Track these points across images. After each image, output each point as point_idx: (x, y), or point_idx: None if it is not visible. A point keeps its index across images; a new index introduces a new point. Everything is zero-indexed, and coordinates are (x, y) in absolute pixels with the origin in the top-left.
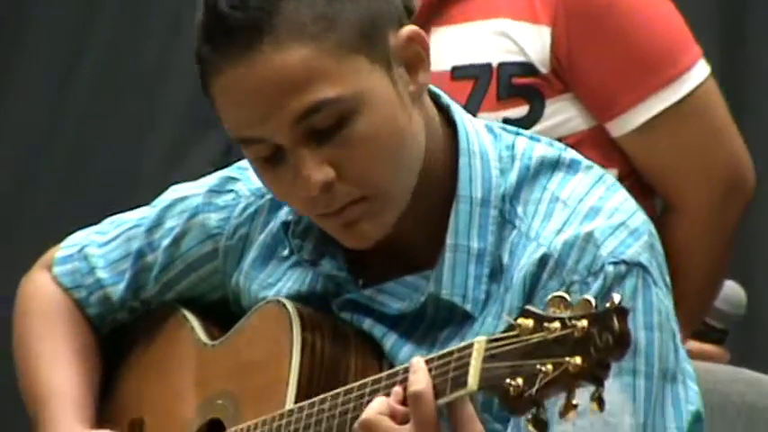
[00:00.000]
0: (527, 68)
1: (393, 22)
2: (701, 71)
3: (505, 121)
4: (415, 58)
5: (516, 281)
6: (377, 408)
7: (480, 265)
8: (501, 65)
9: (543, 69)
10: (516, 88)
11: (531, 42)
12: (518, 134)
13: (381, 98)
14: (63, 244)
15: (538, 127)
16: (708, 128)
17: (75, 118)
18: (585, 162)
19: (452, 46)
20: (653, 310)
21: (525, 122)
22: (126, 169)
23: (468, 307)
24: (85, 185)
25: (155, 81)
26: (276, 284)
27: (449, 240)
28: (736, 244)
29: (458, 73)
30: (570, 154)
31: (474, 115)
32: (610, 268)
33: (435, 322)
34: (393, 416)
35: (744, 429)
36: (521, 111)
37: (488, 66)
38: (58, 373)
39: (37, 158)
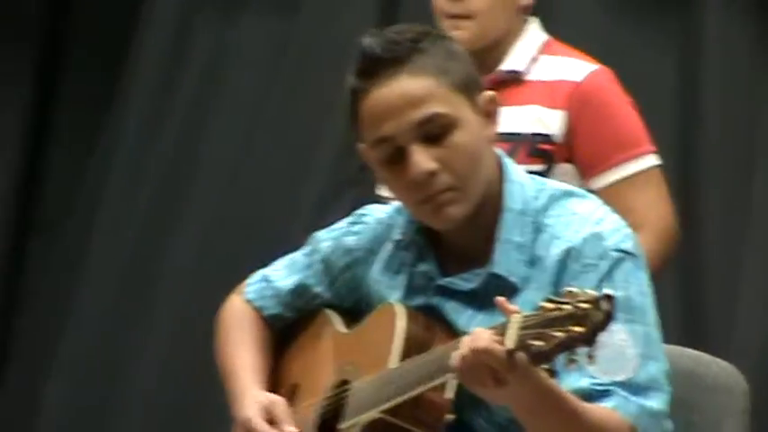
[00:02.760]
0: (547, 139)
1: (479, 86)
2: (654, 159)
3: (529, 173)
4: (491, 112)
5: (548, 265)
6: (485, 335)
7: (521, 253)
8: (532, 134)
9: (558, 140)
10: (539, 151)
11: (553, 121)
12: (543, 179)
13: (471, 125)
14: (248, 279)
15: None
16: (659, 193)
17: (253, 175)
18: (589, 194)
19: (503, 118)
20: (643, 282)
21: (541, 175)
22: (283, 220)
23: (514, 280)
24: (260, 236)
25: (305, 146)
26: (393, 286)
27: (500, 236)
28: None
29: (504, 136)
30: (580, 190)
31: None
32: (613, 254)
33: (493, 296)
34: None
35: (682, 393)
36: (540, 167)
37: (524, 134)
38: (242, 355)
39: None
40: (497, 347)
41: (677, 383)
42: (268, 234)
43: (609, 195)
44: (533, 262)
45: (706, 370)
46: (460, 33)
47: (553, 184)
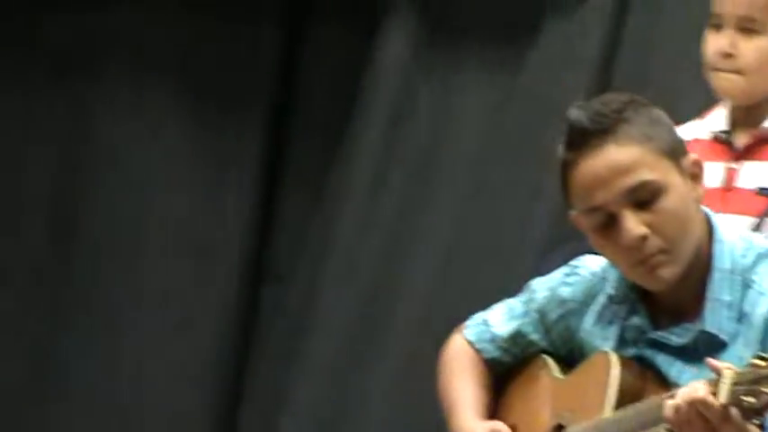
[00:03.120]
0: None
1: (684, 150)
2: None
3: None
4: (697, 175)
5: (756, 321)
6: (701, 389)
7: (730, 311)
8: None
9: None
10: None
11: None
12: (749, 237)
13: (679, 189)
14: (469, 321)
15: None
16: None
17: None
18: None
19: (760, 174)
20: None
21: None
22: (507, 268)
23: (723, 337)
24: (484, 284)
25: (529, 198)
26: (605, 336)
27: (710, 295)
28: None
29: (762, 191)
30: None
31: (766, 217)
32: None
33: (702, 351)
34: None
35: None
36: None
37: None
38: (464, 391)
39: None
40: (712, 399)
41: None
42: (491, 282)
43: None
44: (741, 318)
45: None
46: (725, 85)
47: (761, 242)
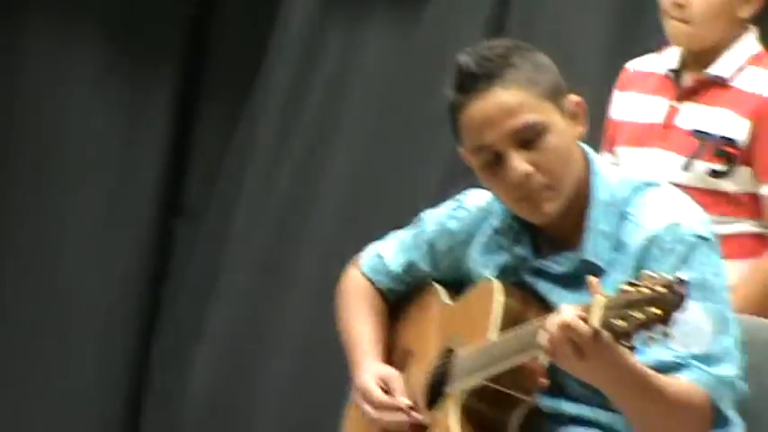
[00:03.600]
0: (732, 143)
1: (565, 91)
2: None
3: (712, 170)
4: (577, 114)
5: (632, 251)
6: (571, 313)
7: (607, 240)
8: (720, 137)
9: (741, 146)
10: (723, 152)
11: (740, 128)
12: (625, 172)
13: (561, 129)
14: (363, 253)
15: (730, 178)
16: None
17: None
18: (667, 184)
19: (697, 117)
20: (717, 264)
21: (723, 174)
22: (408, 202)
23: (601, 264)
24: (387, 215)
25: (428, 140)
26: (490, 265)
27: (588, 225)
28: None
29: (695, 133)
30: (658, 181)
31: (695, 159)
32: (690, 239)
33: (582, 278)
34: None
35: (759, 359)
36: (722, 167)
37: (713, 135)
38: (361, 327)
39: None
40: (582, 325)
41: (755, 351)
42: (394, 213)
43: None
44: (618, 248)
45: None
46: (674, 32)
47: (634, 176)
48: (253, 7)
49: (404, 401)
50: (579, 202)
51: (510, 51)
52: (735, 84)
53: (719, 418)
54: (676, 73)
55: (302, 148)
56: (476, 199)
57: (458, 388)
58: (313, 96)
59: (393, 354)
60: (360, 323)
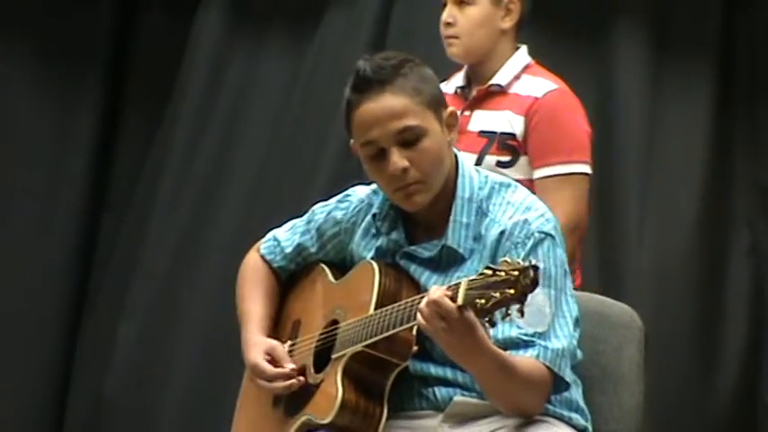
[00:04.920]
0: (513, 137)
1: (444, 103)
2: (584, 167)
3: (499, 161)
4: (451, 124)
5: (488, 242)
6: (439, 292)
7: (468, 231)
8: (502, 132)
9: (519, 138)
10: (507, 145)
11: (517, 124)
12: (487, 174)
13: (436, 135)
14: (264, 238)
15: (515, 167)
16: (564, 198)
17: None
18: (520, 185)
19: (483, 120)
20: (558, 257)
21: (508, 164)
22: (303, 199)
23: (463, 252)
24: (284, 210)
25: (318, 148)
26: (369, 248)
27: (452, 218)
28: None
29: (482, 133)
30: (513, 181)
31: (485, 154)
32: (537, 235)
33: (445, 262)
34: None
35: (592, 329)
36: (508, 158)
37: (497, 132)
38: (252, 307)
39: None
40: (448, 302)
41: (589, 322)
42: (292, 206)
43: (540, 186)
44: (477, 238)
45: (610, 311)
46: (451, 50)
47: (495, 177)
48: (169, 24)
49: (289, 366)
50: (447, 197)
51: (402, 63)
52: (512, 90)
53: (560, 383)
54: (463, 89)
55: (212, 150)
56: (359, 192)
57: (342, 354)
58: (221, 104)
59: (284, 324)
60: (252, 303)
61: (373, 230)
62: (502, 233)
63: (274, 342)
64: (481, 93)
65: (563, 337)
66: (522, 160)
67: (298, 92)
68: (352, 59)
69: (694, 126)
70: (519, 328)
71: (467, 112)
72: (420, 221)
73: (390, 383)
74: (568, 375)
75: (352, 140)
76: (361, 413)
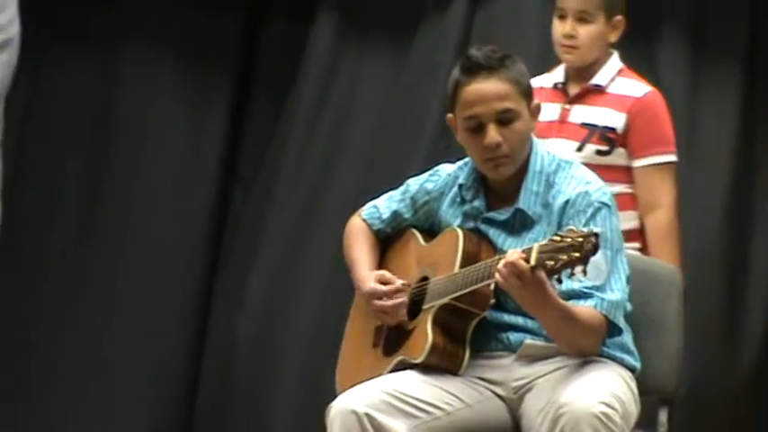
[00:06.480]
0: (613, 130)
1: (533, 95)
2: (675, 157)
3: (598, 150)
4: (536, 114)
5: (554, 209)
6: (516, 255)
7: (537, 198)
8: (603, 126)
9: (619, 132)
10: (607, 137)
11: (618, 120)
12: (554, 154)
13: (525, 120)
14: (365, 206)
15: (611, 156)
16: (666, 184)
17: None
18: (581, 164)
19: (584, 114)
20: (613, 224)
21: (606, 153)
22: (398, 171)
23: (532, 215)
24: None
25: (417, 133)
26: (456, 215)
27: (524, 186)
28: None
29: (584, 125)
30: (575, 160)
31: (586, 143)
32: (596, 204)
33: (519, 226)
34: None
35: (641, 284)
36: (606, 147)
37: (599, 126)
38: (359, 255)
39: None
40: (522, 263)
41: (638, 278)
42: (393, 182)
43: (641, 173)
44: (545, 205)
45: (656, 268)
46: (569, 57)
47: (561, 157)
48: (290, 31)
49: (400, 282)
50: (521, 170)
51: (506, 56)
52: (610, 90)
53: (614, 329)
54: (563, 84)
55: (322, 144)
56: (447, 168)
57: (432, 305)
58: (332, 100)
59: None
60: (358, 252)
61: (459, 199)
62: (566, 202)
63: (383, 271)
64: (583, 90)
65: (617, 291)
66: (617, 151)
67: (397, 92)
68: (442, 64)
69: (725, 119)
70: (580, 281)
71: (567, 106)
72: (498, 192)
73: (471, 330)
74: (621, 323)
75: (449, 115)
76: (447, 354)
